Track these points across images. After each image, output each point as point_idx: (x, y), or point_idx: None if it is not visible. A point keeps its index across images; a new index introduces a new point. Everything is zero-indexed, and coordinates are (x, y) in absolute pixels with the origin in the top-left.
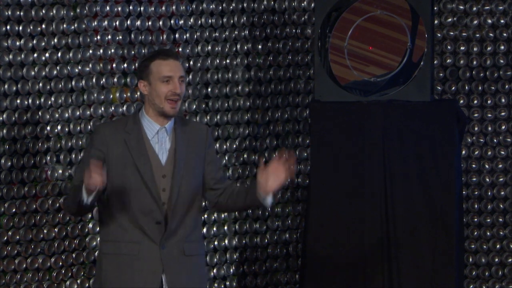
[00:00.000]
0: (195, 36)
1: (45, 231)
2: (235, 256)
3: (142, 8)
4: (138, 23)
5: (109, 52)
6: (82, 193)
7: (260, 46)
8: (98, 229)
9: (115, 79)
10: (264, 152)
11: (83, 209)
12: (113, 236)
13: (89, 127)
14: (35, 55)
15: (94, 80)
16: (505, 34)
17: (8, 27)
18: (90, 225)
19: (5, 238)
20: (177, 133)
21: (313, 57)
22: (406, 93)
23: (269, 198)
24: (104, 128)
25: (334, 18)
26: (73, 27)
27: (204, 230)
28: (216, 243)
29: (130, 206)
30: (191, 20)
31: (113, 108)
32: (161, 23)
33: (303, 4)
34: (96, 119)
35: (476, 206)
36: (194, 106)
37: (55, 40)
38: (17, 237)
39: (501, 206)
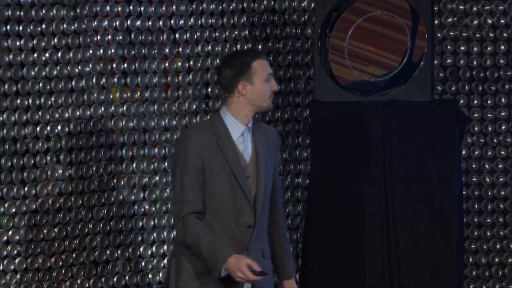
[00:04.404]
0: (195, 36)
1: (45, 231)
2: None
3: (142, 8)
4: (138, 23)
5: (109, 52)
6: (221, 270)
7: (260, 46)
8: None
9: (115, 79)
10: None
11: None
12: None
13: (89, 127)
14: (35, 55)
15: (94, 80)
16: (505, 34)
17: (8, 27)
18: (90, 225)
19: (5, 238)
20: (256, 133)
21: (313, 57)
22: (406, 93)
23: None
24: (195, 132)
25: (334, 18)
26: (73, 27)
27: None
28: None
29: (223, 210)
30: (191, 20)
31: (113, 108)
32: (161, 23)
33: (303, 4)
34: (96, 119)
35: (476, 206)
36: (194, 106)
37: (55, 40)
38: (17, 237)
39: (501, 206)
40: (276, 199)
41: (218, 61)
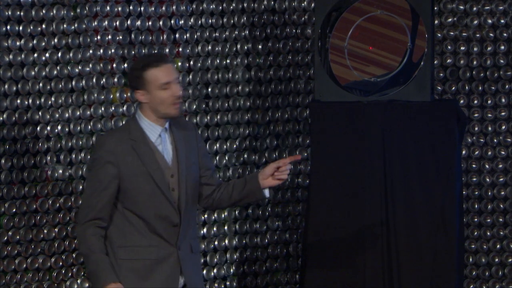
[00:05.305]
0: (195, 36)
1: (45, 231)
2: (235, 256)
3: (142, 8)
4: (138, 23)
5: (109, 52)
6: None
7: (260, 46)
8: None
9: (115, 79)
10: (264, 152)
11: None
12: (130, 241)
13: (89, 127)
14: (35, 55)
15: (94, 80)
16: (505, 34)
17: (8, 27)
18: None
19: (5, 238)
20: (174, 131)
21: (313, 57)
22: (406, 93)
23: (267, 190)
24: (109, 138)
25: (334, 18)
26: (73, 27)
27: (204, 230)
28: (216, 243)
29: (146, 213)
30: (191, 20)
31: (113, 108)
32: (161, 23)
33: (303, 4)
34: (96, 119)
35: (476, 206)
36: (194, 106)
37: (55, 40)
38: (17, 237)
39: (501, 206)
40: (210, 169)
41: (218, 61)
